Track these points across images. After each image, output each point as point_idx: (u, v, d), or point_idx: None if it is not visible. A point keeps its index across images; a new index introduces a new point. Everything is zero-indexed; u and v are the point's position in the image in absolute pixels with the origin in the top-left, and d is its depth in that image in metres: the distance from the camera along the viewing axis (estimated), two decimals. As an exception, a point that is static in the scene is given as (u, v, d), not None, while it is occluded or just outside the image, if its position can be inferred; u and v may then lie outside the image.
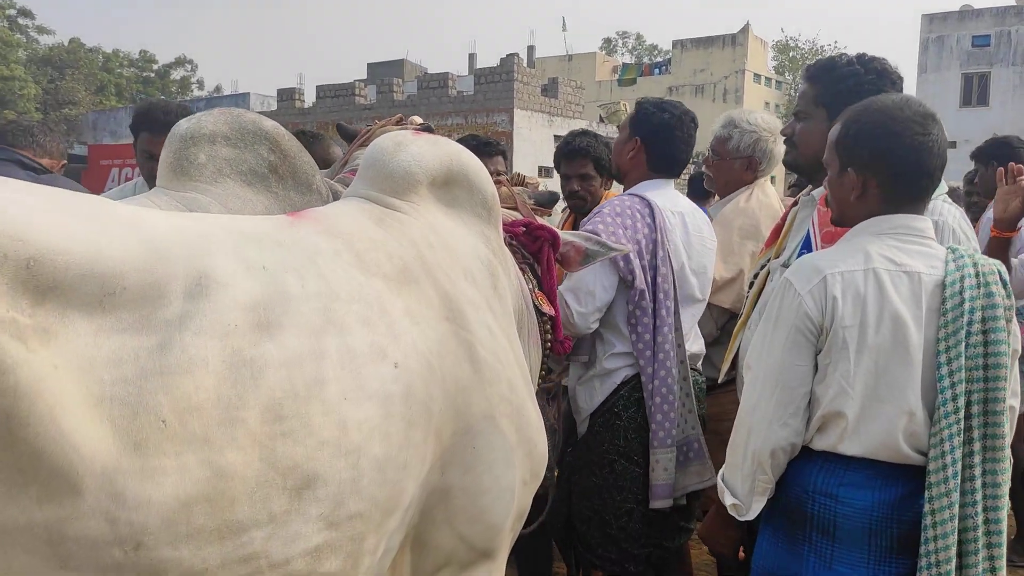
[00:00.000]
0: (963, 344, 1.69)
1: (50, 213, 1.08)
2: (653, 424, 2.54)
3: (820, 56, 43.31)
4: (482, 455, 1.57)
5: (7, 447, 0.98)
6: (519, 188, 2.57)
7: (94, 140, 28.94)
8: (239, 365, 1.18)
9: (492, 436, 1.58)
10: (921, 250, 1.77)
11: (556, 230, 2.27)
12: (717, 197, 3.44)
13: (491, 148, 3.61)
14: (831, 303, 1.72)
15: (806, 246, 2.20)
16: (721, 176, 3.29)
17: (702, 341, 2.87)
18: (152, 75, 45.47)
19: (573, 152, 3.35)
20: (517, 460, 1.65)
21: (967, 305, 1.70)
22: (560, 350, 2.24)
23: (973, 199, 4.91)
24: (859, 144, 1.78)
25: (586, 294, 2.52)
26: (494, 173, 3.26)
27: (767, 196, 3.24)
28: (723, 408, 2.92)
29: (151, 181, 2.74)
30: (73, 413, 1.02)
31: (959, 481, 1.69)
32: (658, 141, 2.74)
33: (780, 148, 3.23)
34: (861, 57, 2.26)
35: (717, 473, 2.67)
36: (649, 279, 2.56)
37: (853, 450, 1.74)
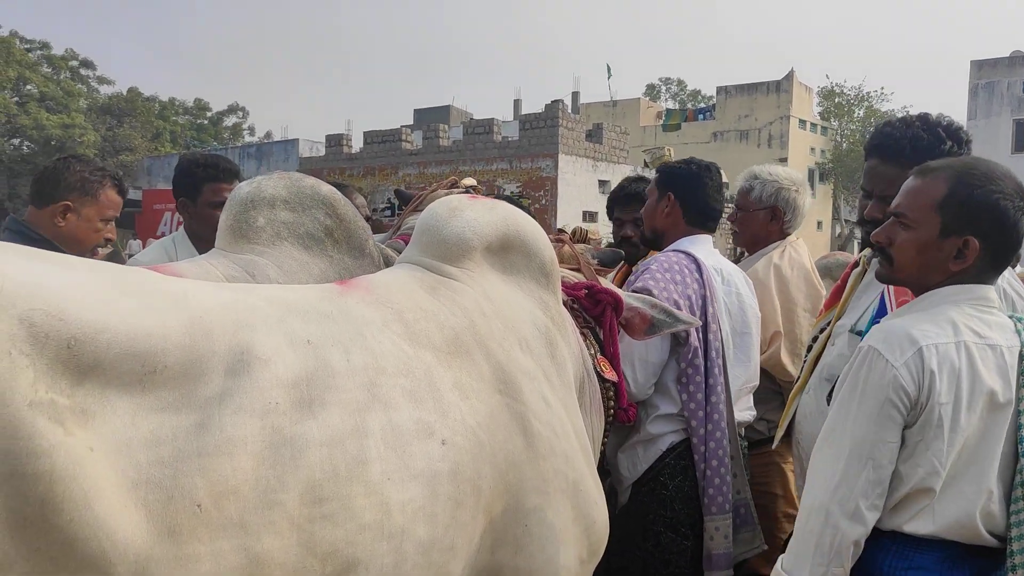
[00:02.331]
0: None
1: (92, 289, 1.06)
2: (711, 489, 2.44)
3: (867, 102, 43.02)
4: (534, 533, 1.50)
5: (41, 534, 0.95)
6: (581, 247, 2.51)
7: (148, 185, 29.86)
8: (279, 445, 1.13)
9: (545, 513, 1.51)
10: (998, 321, 1.68)
11: (619, 292, 2.20)
12: (746, 253, 3.38)
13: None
14: (928, 377, 1.59)
15: (881, 314, 2.09)
16: (747, 229, 3.24)
17: (752, 409, 2.76)
18: (205, 122, 46.87)
19: (629, 197, 3.29)
20: (573, 538, 1.58)
21: None
22: (624, 418, 2.16)
23: None
24: (984, 215, 1.65)
25: (640, 361, 2.43)
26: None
27: (799, 254, 3.17)
28: (753, 472, 2.81)
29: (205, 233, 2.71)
30: (107, 498, 0.99)
31: None
32: (690, 193, 2.72)
33: (804, 199, 3.23)
34: (947, 128, 2.14)
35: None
36: (701, 337, 2.47)
37: (927, 529, 1.62)
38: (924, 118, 2.18)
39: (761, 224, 3.18)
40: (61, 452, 0.96)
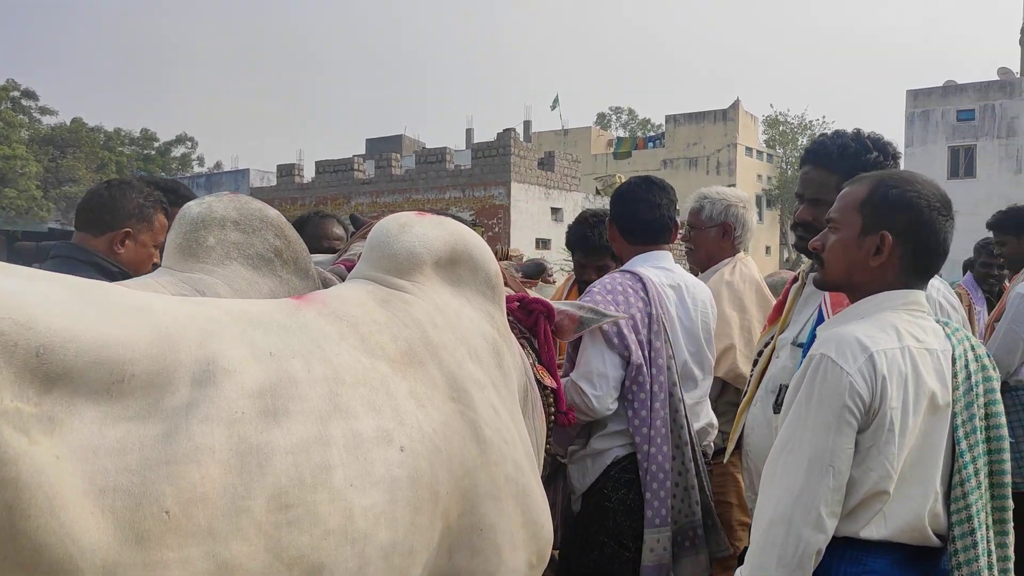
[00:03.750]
0: (976, 418, 1.68)
1: (60, 300, 1.09)
2: (656, 502, 2.48)
3: (810, 130, 44.25)
4: (489, 538, 1.54)
5: (9, 540, 0.97)
6: (504, 263, 2.59)
7: (94, 216, 29.11)
8: (245, 453, 1.16)
9: (498, 518, 1.56)
10: (931, 326, 1.75)
11: (550, 302, 2.28)
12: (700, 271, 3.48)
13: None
14: (880, 382, 1.61)
15: (819, 323, 2.18)
16: (700, 247, 3.35)
17: (708, 417, 2.81)
18: (153, 152, 46.16)
19: (593, 249, 3.28)
20: (523, 542, 1.63)
21: (973, 379, 1.71)
22: (564, 421, 2.22)
23: (993, 271, 4.93)
24: (898, 211, 1.72)
25: (599, 377, 2.49)
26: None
27: (748, 268, 3.30)
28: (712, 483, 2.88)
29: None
30: (74, 505, 1.01)
31: (987, 558, 1.65)
32: (625, 210, 2.80)
33: (752, 216, 3.37)
34: (875, 140, 2.28)
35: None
36: (645, 354, 2.53)
37: (879, 534, 1.65)
38: (856, 131, 2.32)
39: (714, 241, 3.29)
40: (25, 461, 0.97)
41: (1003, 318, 3.94)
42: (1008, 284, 5.07)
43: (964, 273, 5.53)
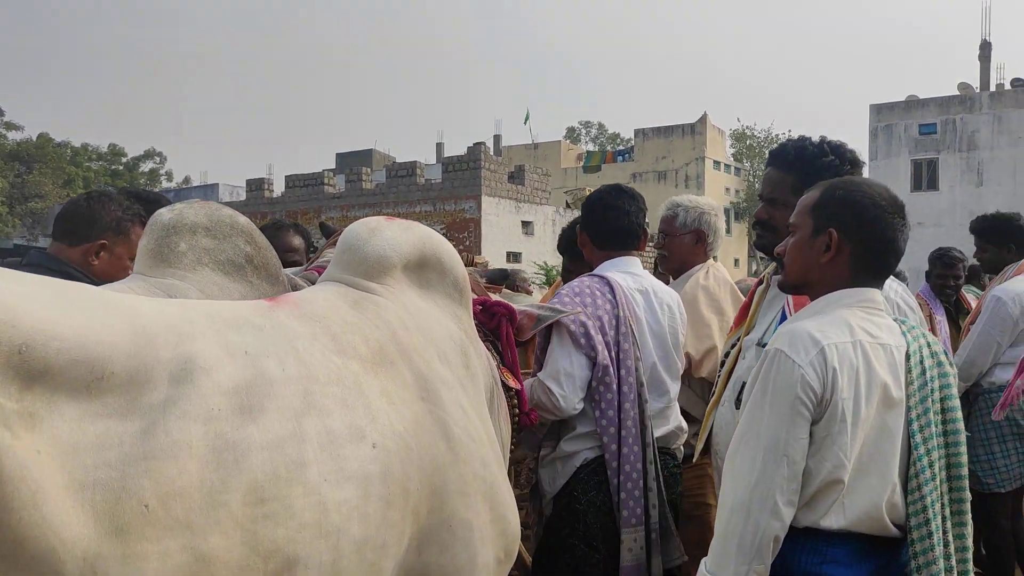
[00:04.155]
0: (931, 412, 1.75)
1: (42, 299, 1.12)
2: (631, 502, 2.52)
3: (775, 144, 44.86)
4: (458, 534, 1.58)
5: None
6: (470, 269, 2.64)
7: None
8: (222, 449, 1.20)
9: (467, 514, 1.60)
10: (886, 323, 1.82)
11: (511, 304, 2.33)
12: (671, 279, 3.55)
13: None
14: (831, 374, 1.68)
15: (783, 323, 2.25)
16: (674, 254, 3.41)
17: (675, 421, 2.84)
18: (121, 168, 45.69)
19: (581, 255, 3.21)
20: (491, 538, 1.67)
21: (928, 374, 1.78)
22: (527, 421, 2.28)
23: (949, 282, 5.00)
24: (843, 209, 1.81)
25: (566, 376, 2.52)
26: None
27: (721, 273, 3.39)
28: (687, 484, 2.93)
29: None
30: (55, 498, 1.03)
31: (943, 547, 1.71)
32: (594, 217, 2.88)
33: (722, 223, 3.46)
34: (832, 144, 2.37)
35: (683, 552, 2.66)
36: (613, 355, 2.57)
37: (838, 523, 1.70)
38: (820, 138, 2.41)
39: (687, 248, 3.36)
40: (9, 455, 1.00)
41: (978, 319, 4.05)
42: (966, 294, 5.22)
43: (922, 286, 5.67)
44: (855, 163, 2.36)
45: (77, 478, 1.06)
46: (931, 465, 1.73)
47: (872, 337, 1.76)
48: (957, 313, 5.10)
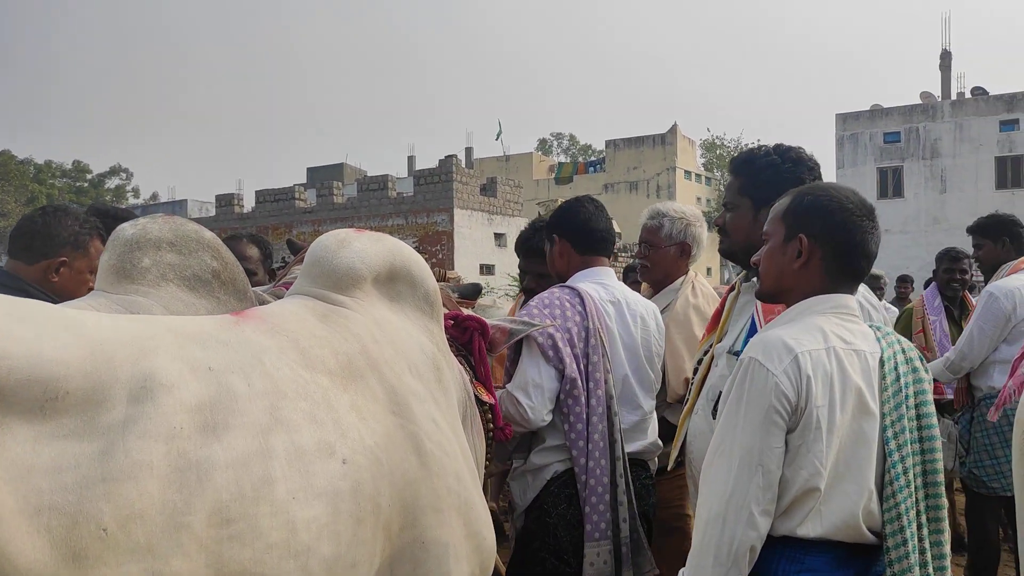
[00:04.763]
0: (905, 419, 1.75)
1: None
2: (595, 516, 2.49)
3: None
4: (431, 550, 1.55)
5: None
6: (441, 284, 2.62)
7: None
8: (185, 468, 1.16)
9: (440, 530, 1.56)
10: (860, 329, 1.82)
11: (483, 318, 2.31)
12: (647, 288, 3.49)
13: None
14: (806, 382, 1.67)
15: (752, 332, 2.26)
16: (658, 266, 3.34)
17: (651, 436, 2.81)
18: (86, 184, 45.10)
19: (531, 251, 3.27)
20: (465, 554, 1.63)
21: (902, 381, 1.77)
22: (501, 436, 2.25)
23: (955, 276, 5.15)
24: (812, 214, 1.81)
25: (534, 387, 2.50)
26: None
27: (707, 287, 3.33)
28: (665, 496, 2.91)
29: None
30: (8, 524, 0.99)
31: (918, 555, 1.71)
32: (570, 224, 2.84)
33: (705, 232, 3.41)
34: (779, 147, 2.42)
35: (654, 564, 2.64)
36: (581, 367, 2.55)
37: (815, 531, 1.69)
38: (775, 146, 2.45)
39: (672, 260, 3.30)
40: None
41: (973, 315, 4.13)
42: (968, 294, 5.36)
43: (925, 288, 5.83)
44: (798, 160, 2.38)
45: (32, 502, 1.02)
46: (905, 472, 1.72)
47: (846, 343, 1.75)
48: (961, 314, 5.20)
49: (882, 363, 1.77)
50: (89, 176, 45.56)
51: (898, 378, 1.77)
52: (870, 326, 1.86)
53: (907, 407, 1.76)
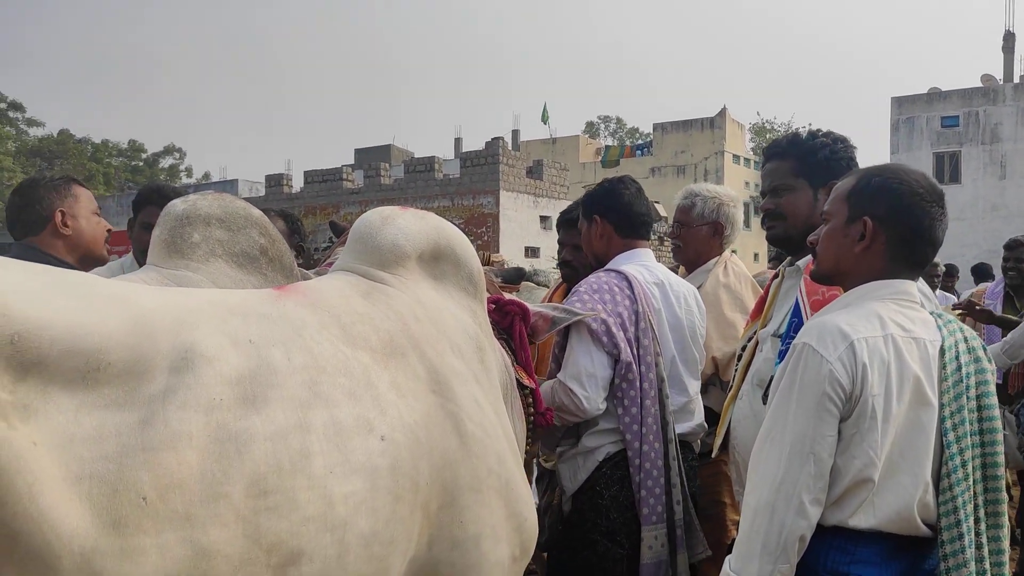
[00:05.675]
0: (965, 410, 1.68)
1: (35, 288, 1.09)
2: (651, 499, 2.48)
3: (796, 137, 44.69)
4: (469, 529, 1.54)
5: None
6: (485, 268, 2.60)
7: (81, 228, 29.07)
8: (224, 440, 1.16)
9: (480, 510, 1.56)
10: (921, 316, 1.75)
11: (525, 304, 2.29)
12: (683, 270, 3.47)
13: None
14: (861, 370, 1.62)
15: (796, 315, 2.21)
16: (690, 245, 3.32)
17: (698, 418, 2.79)
18: (141, 163, 46.09)
19: (569, 222, 3.24)
20: (505, 535, 1.62)
21: (963, 371, 1.70)
22: (542, 422, 2.23)
23: (1012, 264, 5.17)
24: (879, 196, 1.75)
25: (588, 377, 2.48)
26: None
27: (739, 267, 3.29)
28: (702, 482, 2.88)
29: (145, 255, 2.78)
30: (51, 491, 1.01)
31: (974, 549, 1.65)
32: (612, 206, 2.79)
33: (740, 214, 3.36)
34: (820, 131, 2.39)
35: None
36: (634, 351, 2.53)
37: (867, 523, 1.65)
38: (815, 129, 2.44)
39: (704, 239, 3.27)
40: (4, 446, 0.97)
41: None
42: None
43: (973, 275, 5.77)
44: (846, 142, 2.38)
45: (73, 470, 1.03)
46: (964, 464, 1.66)
47: (905, 331, 1.69)
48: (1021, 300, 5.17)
49: (942, 352, 1.70)
50: (144, 155, 46.53)
51: (959, 368, 1.70)
52: (931, 313, 1.79)
53: (968, 398, 1.69)
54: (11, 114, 39.59)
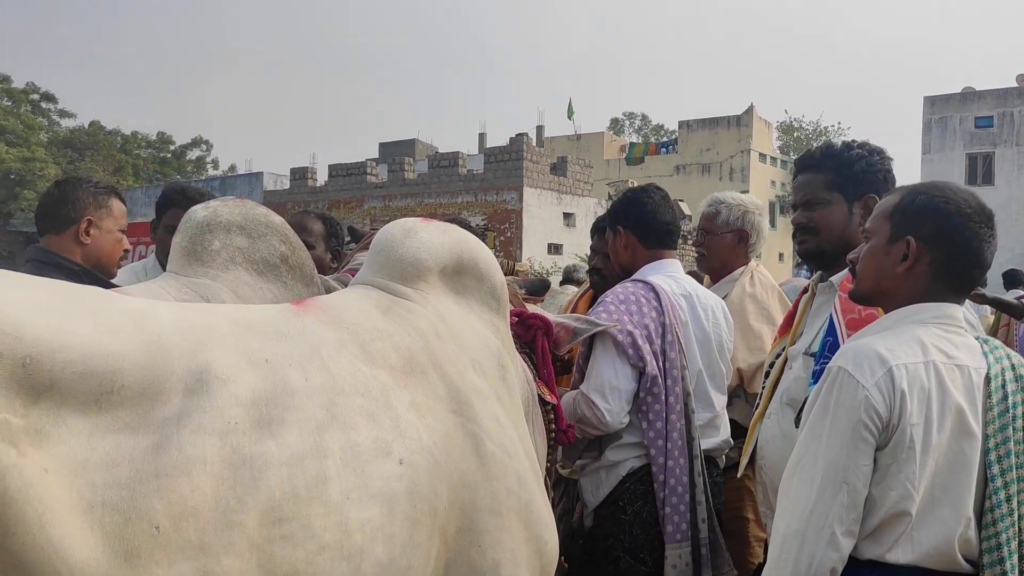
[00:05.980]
0: (1011, 441, 1.61)
1: (48, 308, 1.06)
2: (675, 516, 2.43)
3: (824, 137, 44.04)
4: (488, 554, 1.50)
5: None
6: (509, 278, 2.56)
7: (110, 219, 29.41)
8: (238, 465, 1.13)
9: (499, 533, 1.52)
10: (966, 342, 1.68)
11: (548, 316, 2.25)
12: (708, 279, 3.41)
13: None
14: (899, 398, 1.55)
15: (830, 334, 2.15)
16: (715, 253, 3.27)
17: (723, 434, 2.74)
18: (169, 155, 46.49)
19: (603, 230, 3.15)
20: (525, 558, 1.58)
21: (1010, 400, 1.63)
22: (563, 439, 2.18)
23: None
24: (925, 216, 1.67)
25: (611, 390, 2.43)
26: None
27: (766, 276, 3.23)
28: (724, 497, 2.83)
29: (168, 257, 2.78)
30: (62, 520, 0.98)
31: None
32: (636, 216, 2.75)
33: (766, 223, 3.31)
34: (855, 142, 2.32)
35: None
36: (660, 364, 2.48)
37: (906, 558, 1.58)
38: (850, 140, 2.37)
39: (729, 247, 3.22)
40: (14, 474, 0.94)
41: None
42: None
43: (1003, 280, 5.62)
44: (882, 153, 2.32)
45: (85, 498, 1.01)
46: (1008, 499, 1.59)
47: (948, 358, 1.62)
48: None
49: (988, 380, 1.63)
50: (172, 147, 46.93)
51: (1005, 397, 1.62)
52: (977, 339, 1.71)
53: (1014, 428, 1.61)
54: (44, 105, 40.07)
